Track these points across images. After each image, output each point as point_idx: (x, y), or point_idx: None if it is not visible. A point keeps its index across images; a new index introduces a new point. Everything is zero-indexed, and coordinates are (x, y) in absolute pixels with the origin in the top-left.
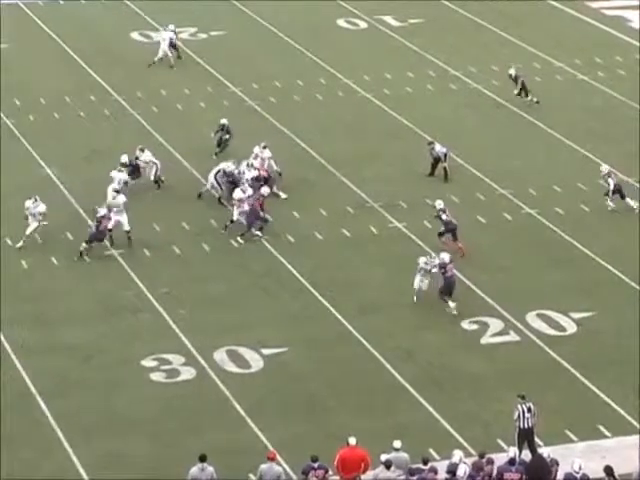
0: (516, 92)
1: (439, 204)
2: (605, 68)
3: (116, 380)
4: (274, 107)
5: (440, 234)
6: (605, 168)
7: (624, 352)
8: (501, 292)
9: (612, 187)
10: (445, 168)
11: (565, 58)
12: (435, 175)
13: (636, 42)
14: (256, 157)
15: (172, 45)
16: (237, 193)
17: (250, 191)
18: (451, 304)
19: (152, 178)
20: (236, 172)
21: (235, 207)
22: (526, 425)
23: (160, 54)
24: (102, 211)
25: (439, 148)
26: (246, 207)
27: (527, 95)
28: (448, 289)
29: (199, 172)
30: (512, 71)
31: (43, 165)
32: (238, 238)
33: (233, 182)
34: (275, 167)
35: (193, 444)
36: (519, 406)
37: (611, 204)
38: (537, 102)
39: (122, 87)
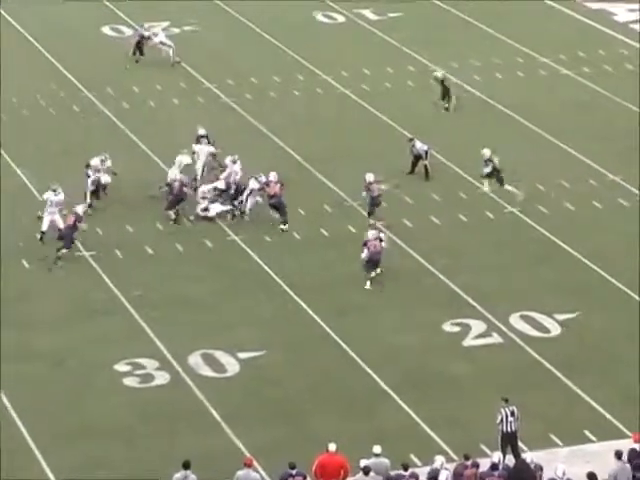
0: (438, 98)
1: (369, 177)
2: (590, 63)
3: (88, 385)
4: (250, 104)
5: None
6: (487, 152)
7: (609, 354)
8: (484, 293)
9: (487, 171)
10: (426, 166)
11: (549, 53)
12: (415, 173)
13: (621, 36)
14: (224, 169)
15: (140, 43)
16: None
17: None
18: (373, 274)
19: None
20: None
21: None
22: (509, 429)
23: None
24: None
25: (420, 145)
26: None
27: (445, 99)
28: (372, 262)
29: None
30: (439, 74)
31: (13, 165)
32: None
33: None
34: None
35: (168, 451)
36: (502, 410)
37: (485, 188)
38: (446, 109)
39: (92, 83)
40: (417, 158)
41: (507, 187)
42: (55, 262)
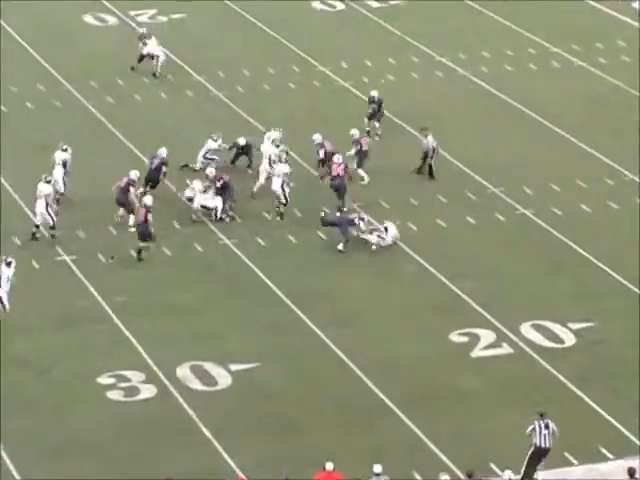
0: (368, 115)
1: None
2: (606, 54)
3: (70, 398)
4: (242, 97)
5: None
6: (355, 132)
7: (627, 365)
8: (493, 300)
9: (354, 152)
10: (431, 165)
11: (562, 43)
12: (422, 172)
13: (638, 24)
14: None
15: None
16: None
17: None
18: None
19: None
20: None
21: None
22: (543, 443)
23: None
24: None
25: (430, 140)
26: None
27: (375, 119)
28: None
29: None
30: (374, 93)
31: None
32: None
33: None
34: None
35: (154, 469)
36: (535, 422)
37: (361, 173)
38: (377, 135)
39: (74, 76)
40: (425, 154)
41: (359, 171)
42: (139, 259)
